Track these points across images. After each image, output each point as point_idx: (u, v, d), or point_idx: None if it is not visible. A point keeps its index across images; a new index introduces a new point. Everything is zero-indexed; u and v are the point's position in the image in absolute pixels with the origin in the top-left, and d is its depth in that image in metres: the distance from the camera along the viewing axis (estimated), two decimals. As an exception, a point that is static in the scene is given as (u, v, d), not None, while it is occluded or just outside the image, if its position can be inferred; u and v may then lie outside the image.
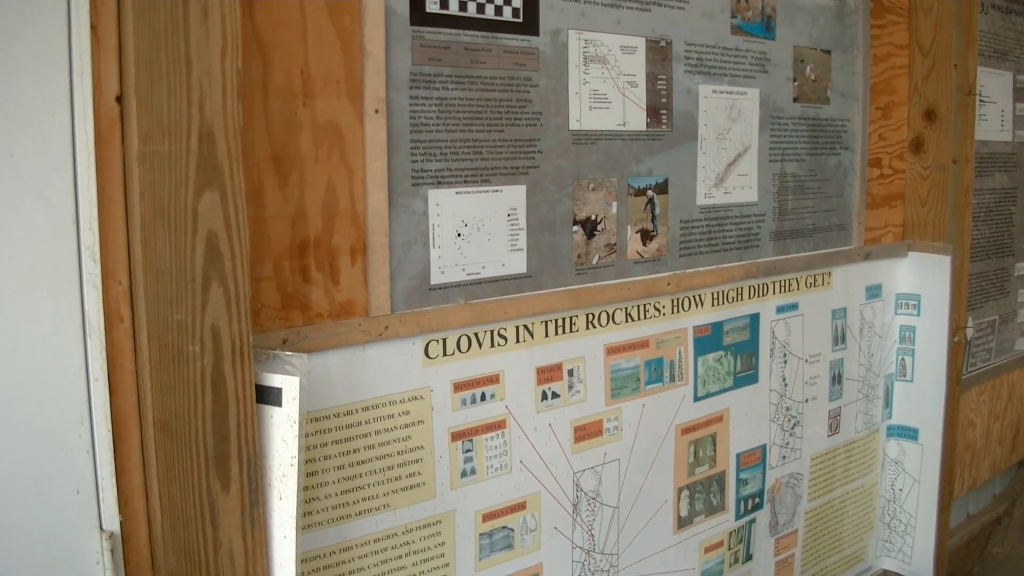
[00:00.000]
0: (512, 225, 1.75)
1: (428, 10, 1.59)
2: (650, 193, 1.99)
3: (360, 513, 1.58)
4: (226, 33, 1.25)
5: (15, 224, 1.16)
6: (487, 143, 1.70)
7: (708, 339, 2.17)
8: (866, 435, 2.71)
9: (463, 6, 1.64)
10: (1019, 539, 3.38)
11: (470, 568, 1.76)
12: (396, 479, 1.62)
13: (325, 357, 1.50)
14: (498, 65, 1.70)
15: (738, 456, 2.30)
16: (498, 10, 1.69)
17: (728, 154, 2.16)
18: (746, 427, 2.31)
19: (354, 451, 1.56)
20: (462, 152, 1.66)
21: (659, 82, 1.98)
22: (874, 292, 2.65)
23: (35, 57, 1.16)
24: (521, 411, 1.80)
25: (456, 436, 1.71)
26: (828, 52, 2.41)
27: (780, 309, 2.35)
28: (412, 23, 1.58)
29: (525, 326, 1.79)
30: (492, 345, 1.74)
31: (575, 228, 1.86)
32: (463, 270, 1.69)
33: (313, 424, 1.49)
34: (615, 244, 1.93)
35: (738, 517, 2.33)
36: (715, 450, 2.23)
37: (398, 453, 1.62)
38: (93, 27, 1.19)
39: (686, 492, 2.18)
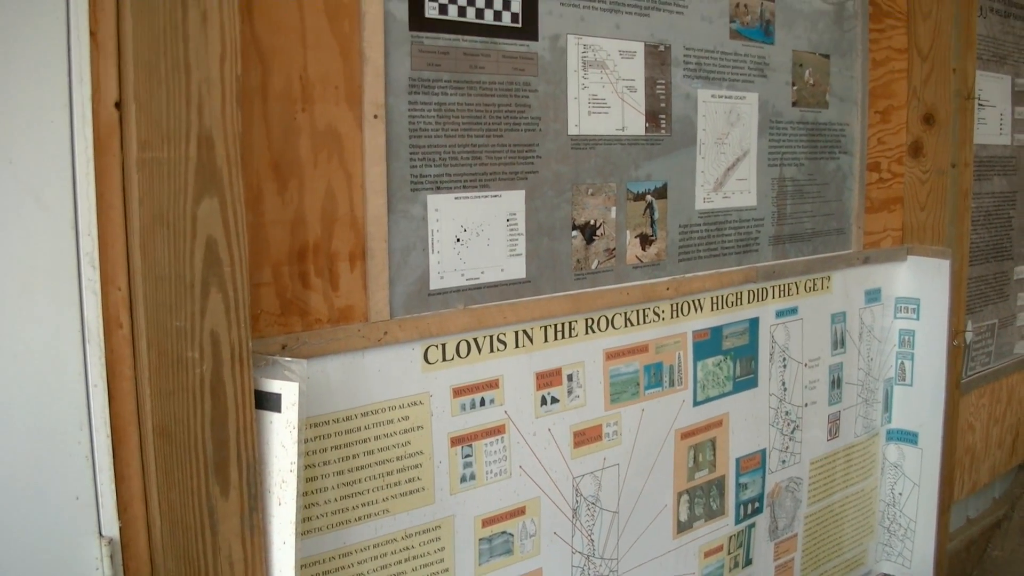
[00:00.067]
0: (511, 230, 1.75)
1: (427, 15, 1.59)
2: (649, 198, 1.99)
3: (359, 518, 1.58)
4: (225, 39, 1.25)
5: (14, 230, 1.16)
6: (486, 148, 1.70)
7: (707, 343, 2.17)
8: (866, 439, 2.71)
9: (462, 11, 1.64)
10: (1019, 543, 3.38)
11: (470, 573, 1.76)
12: (395, 484, 1.62)
13: (324, 363, 1.50)
14: (497, 70, 1.70)
15: (738, 460, 2.30)
16: (497, 15, 1.69)
17: (727, 159, 2.16)
18: (746, 431, 2.31)
19: (353, 456, 1.56)
20: (461, 157, 1.66)
21: (658, 87, 1.98)
22: (873, 296, 2.65)
23: (34, 62, 1.16)
24: (520, 416, 1.80)
25: (455, 441, 1.70)
26: (827, 56, 2.41)
27: (779, 313, 2.35)
28: (411, 28, 1.58)
29: (524, 331, 1.79)
30: (491, 350, 1.74)
31: (574, 233, 1.86)
32: (462, 275, 1.69)
33: (312, 430, 1.49)
34: (614, 249, 1.93)
35: (738, 521, 2.33)
36: (715, 455, 2.23)
37: (397, 458, 1.62)
38: (92, 33, 1.19)
39: (686, 497, 2.17)
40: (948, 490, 2.80)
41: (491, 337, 1.74)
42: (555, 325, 1.84)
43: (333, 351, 1.51)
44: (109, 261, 1.22)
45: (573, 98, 1.83)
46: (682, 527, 2.18)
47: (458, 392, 1.70)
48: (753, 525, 2.38)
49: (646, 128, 1.97)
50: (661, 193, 2.02)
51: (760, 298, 2.29)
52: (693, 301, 2.12)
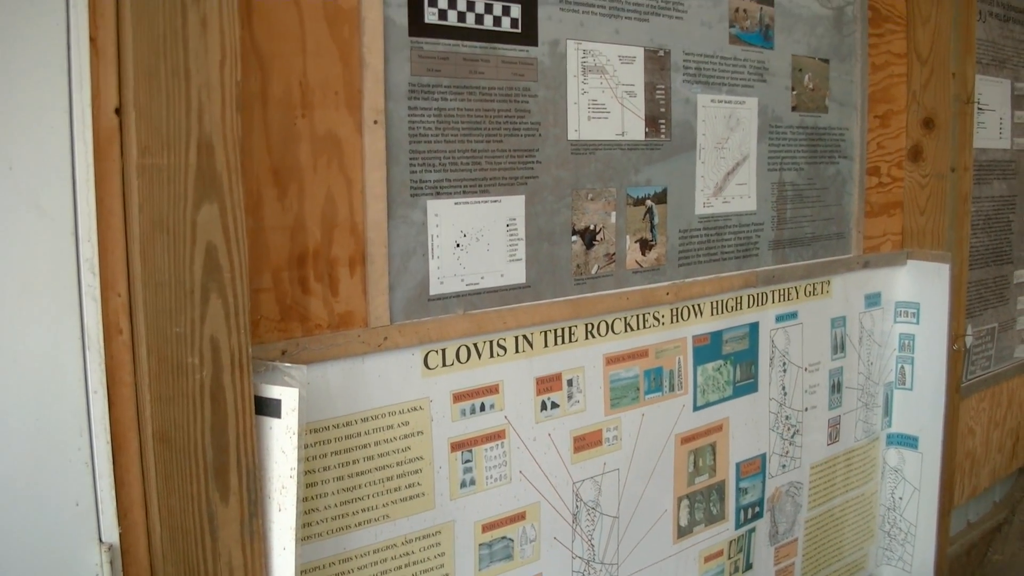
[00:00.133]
0: (511, 235, 1.75)
1: (427, 21, 1.60)
2: (649, 203, 1.99)
3: (359, 524, 1.58)
4: (225, 44, 1.25)
5: (14, 236, 1.16)
6: (486, 153, 1.70)
7: (707, 348, 2.17)
8: (866, 443, 2.71)
9: (462, 17, 1.64)
10: (1019, 547, 3.38)
11: (470, 579, 1.76)
12: (395, 490, 1.62)
13: (324, 368, 1.50)
14: (497, 75, 1.70)
15: (738, 465, 2.30)
16: (496, 20, 1.69)
17: (727, 163, 2.16)
18: (746, 436, 2.30)
19: (353, 462, 1.56)
20: (461, 162, 1.66)
21: (658, 92, 1.99)
22: (873, 300, 2.65)
23: (34, 68, 1.17)
24: (520, 421, 1.80)
25: (455, 446, 1.70)
26: (826, 61, 2.41)
27: (779, 318, 2.35)
28: (411, 34, 1.58)
29: (524, 336, 1.79)
30: (491, 355, 1.74)
31: (574, 238, 1.86)
32: (462, 280, 1.69)
33: (312, 435, 1.49)
34: (614, 254, 1.93)
35: (738, 526, 2.33)
36: (715, 459, 2.23)
37: (397, 464, 1.62)
38: (92, 39, 1.19)
39: (686, 501, 2.17)
40: (948, 494, 2.80)
41: (491, 342, 1.74)
42: (555, 330, 1.84)
43: (333, 356, 1.51)
44: (109, 267, 1.22)
45: (573, 103, 1.83)
46: (682, 532, 2.18)
47: (458, 397, 1.70)
48: (753, 530, 2.38)
49: (646, 133, 1.97)
50: (661, 198, 2.02)
51: (760, 303, 2.29)
52: (693, 306, 2.12)
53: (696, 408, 2.16)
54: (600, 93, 1.87)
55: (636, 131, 1.95)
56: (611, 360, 1.95)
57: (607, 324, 1.94)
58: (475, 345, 1.71)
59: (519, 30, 1.73)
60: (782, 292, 2.35)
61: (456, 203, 1.67)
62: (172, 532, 1.26)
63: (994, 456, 3.18)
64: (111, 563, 1.24)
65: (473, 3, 1.65)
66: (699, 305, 2.13)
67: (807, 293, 2.43)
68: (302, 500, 1.42)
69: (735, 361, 2.25)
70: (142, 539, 1.27)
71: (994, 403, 3.14)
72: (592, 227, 1.89)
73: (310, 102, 1.46)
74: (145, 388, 1.22)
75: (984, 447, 3.10)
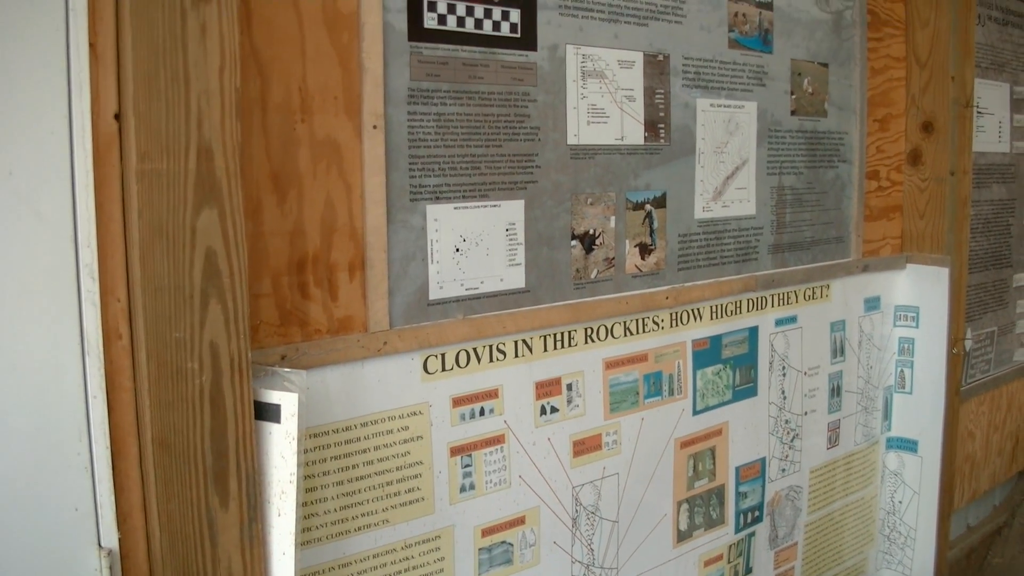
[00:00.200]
0: (510, 240, 1.75)
1: (426, 26, 1.60)
2: (648, 207, 1.99)
3: (359, 529, 1.58)
4: (224, 50, 1.25)
5: (13, 241, 1.16)
6: (485, 158, 1.70)
7: (707, 352, 2.17)
8: (865, 447, 2.71)
9: (461, 22, 1.64)
10: (1019, 550, 3.38)
11: (469, 583, 1.76)
12: (395, 495, 1.62)
13: (324, 373, 1.50)
14: (496, 80, 1.70)
15: (737, 469, 2.30)
16: (496, 25, 1.69)
17: (726, 168, 2.17)
18: (745, 440, 2.30)
19: (353, 467, 1.56)
20: (460, 167, 1.66)
21: (657, 96, 1.99)
22: (872, 304, 2.65)
23: (34, 74, 1.17)
24: (520, 426, 1.80)
25: (455, 451, 1.70)
26: (825, 65, 2.41)
27: (779, 322, 2.35)
28: (410, 39, 1.58)
29: (524, 341, 1.79)
30: (491, 360, 1.74)
31: (573, 243, 1.86)
32: (461, 285, 1.69)
33: (312, 440, 1.49)
34: (613, 258, 1.94)
35: (738, 530, 2.33)
36: (714, 463, 2.23)
37: (397, 468, 1.62)
38: (92, 45, 1.19)
39: (685, 506, 2.17)
40: (948, 498, 2.79)
41: (490, 347, 1.74)
42: (554, 334, 1.84)
43: (332, 361, 1.51)
44: (108, 272, 1.22)
45: (572, 108, 1.83)
46: (682, 536, 2.18)
47: (457, 402, 1.70)
48: (753, 534, 2.38)
49: (645, 137, 1.97)
50: (660, 202, 2.02)
51: (759, 307, 2.29)
52: (692, 310, 2.12)
53: (696, 412, 2.16)
54: (599, 98, 1.88)
55: (635, 136, 1.95)
56: (611, 364, 1.96)
57: (607, 328, 1.94)
58: (475, 350, 1.71)
59: (518, 35, 1.73)
60: (781, 296, 2.35)
61: (456, 208, 1.67)
62: (172, 537, 1.26)
63: (994, 459, 3.18)
64: (110, 568, 1.24)
65: (472, 8, 1.65)
66: (698, 309, 2.14)
67: (806, 297, 2.43)
68: (302, 505, 1.42)
69: (735, 365, 2.25)
70: (141, 544, 1.27)
71: (994, 407, 3.14)
72: (591, 232, 1.89)
73: (309, 107, 1.47)
74: (144, 393, 1.22)
75: (984, 450, 3.10)
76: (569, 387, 1.88)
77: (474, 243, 1.70)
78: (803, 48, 2.34)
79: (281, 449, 1.34)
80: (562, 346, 1.86)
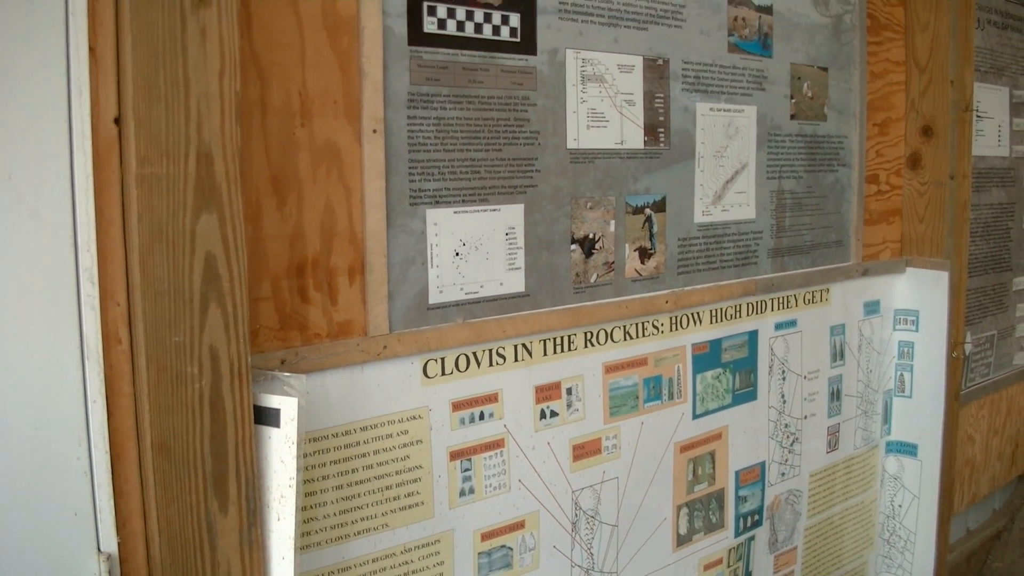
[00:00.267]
0: (510, 244, 1.75)
1: (426, 30, 1.60)
2: (648, 211, 1.99)
3: (358, 533, 1.58)
4: (224, 54, 1.25)
5: (13, 245, 1.16)
6: (485, 162, 1.70)
7: (706, 356, 2.17)
8: (865, 451, 2.71)
9: (461, 26, 1.64)
10: (1019, 554, 3.37)
11: (469, 588, 1.76)
12: (395, 499, 1.62)
13: (323, 377, 1.50)
14: (496, 84, 1.70)
15: (737, 473, 2.30)
16: (495, 30, 1.69)
17: (726, 172, 2.17)
18: (745, 444, 2.30)
19: (352, 471, 1.56)
20: (460, 171, 1.66)
21: (656, 100, 1.99)
22: (872, 308, 2.65)
23: (33, 78, 1.17)
24: (520, 430, 1.80)
25: (455, 455, 1.70)
26: (825, 69, 2.41)
27: (778, 326, 2.35)
28: (410, 43, 1.58)
29: (523, 345, 1.79)
30: (490, 364, 1.74)
31: (573, 247, 1.86)
32: (461, 289, 1.69)
33: (311, 444, 1.49)
34: (613, 262, 1.94)
35: (737, 534, 2.33)
36: (714, 467, 2.23)
37: (396, 473, 1.62)
38: (91, 48, 1.19)
39: (685, 510, 2.17)
40: (948, 502, 2.79)
41: (490, 351, 1.74)
42: (554, 339, 1.84)
43: (332, 366, 1.51)
44: (108, 276, 1.22)
45: (572, 112, 1.83)
46: (681, 540, 2.17)
47: (457, 406, 1.70)
48: (753, 538, 2.38)
49: (645, 142, 1.97)
50: (660, 206, 2.02)
51: (759, 311, 2.29)
52: (692, 314, 2.12)
53: (695, 416, 2.16)
54: (599, 102, 1.88)
55: (635, 140, 1.95)
56: (610, 368, 1.95)
57: (606, 332, 1.94)
58: (474, 354, 1.71)
59: (518, 39, 1.73)
60: (781, 300, 2.35)
61: (455, 212, 1.67)
62: (171, 541, 1.26)
63: (993, 463, 3.18)
64: (109, 572, 1.24)
65: (472, 12, 1.65)
66: (698, 313, 2.13)
67: (806, 301, 2.43)
68: (301, 509, 1.42)
69: (734, 369, 2.25)
70: (141, 548, 1.27)
71: (993, 410, 3.14)
72: (591, 236, 1.89)
73: (309, 111, 1.47)
74: (144, 397, 1.22)
75: (983, 454, 3.10)
76: (569, 391, 1.88)
77: (474, 247, 1.70)
78: (803, 52, 2.34)
79: (280, 453, 1.34)
80: (562, 350, 1.86)
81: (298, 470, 1.34)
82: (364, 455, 1.57)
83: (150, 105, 1.19)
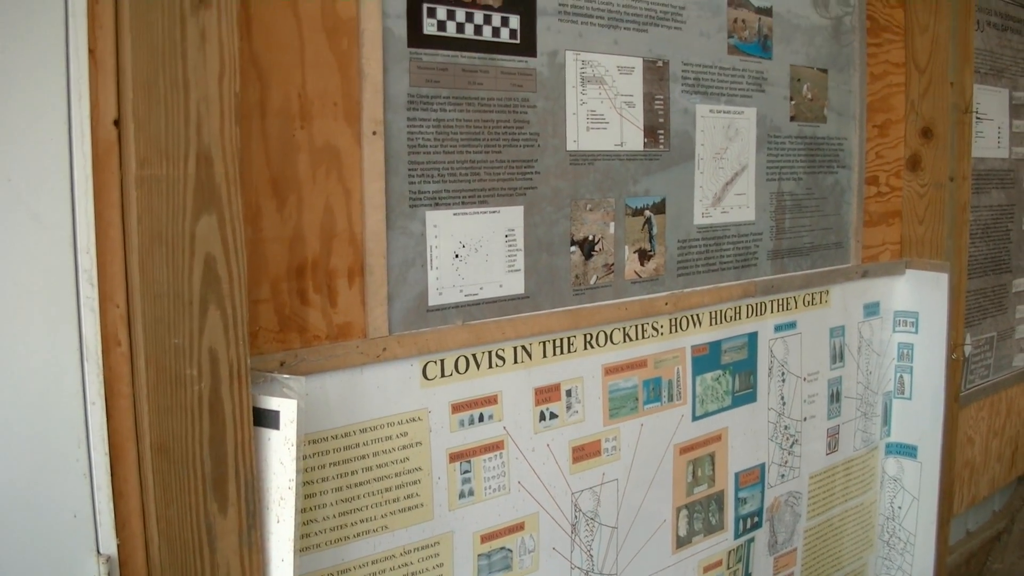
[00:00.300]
0: (510, 246, 1.75)
1: (425, 32, 1.60)
2: (648, 213, 1.99)
3: (358, 535, 1.58)
4: (224, 56, 1.25)
5: (12, 247, 1.16)
6: (485, 164, 1.70)
7: (706, 358, 2.17)
8: (865, 453, 2.71)
9: (460, 28, 1.64)
10: (1019, 556, 3.37)
11: (468, 589, 1.76)
12: (394, 501, 1.62)
13: (323, 379, 1.50)
14: (495, 86, 1.70)
15: (737, 475, 2.30)
16: (495, 31, 1.69)
17: (725, 173, 2.17)
18: (745, 446, 2.30)
19: (352, 473, 1.56)
20: (460, 173, 1.66)
21: (656, 102, 1.99)
22: (872, 310, 2.65)
23: (33, 80, 1.17)
24: (519, 432, 1.80)
25: (454, 457, 1.70)
26: (825, 71, 2.41)
27: (778, 328, 2.35)
28: (410, 45, 1.58)
29: (523, 347, 1.79)
30: (490, 366, 1.74)
31: (573, 249, 1.86)
32: (461, 291, 1.69)
33: (311, 446, 1.49)
34: (613, 264, 1.94)
35: (737, 536, 2.33)
36: (714, 469, 2.23)
37: (396, 475, 1.62)
38: (91, 50, 1.19)
39: (685, 511, 2.17)
40: (947, 503, 2.79)
41: (490, 353, 1.74)
42: (554, 341, 1.84)
43: (332, 368, 1.50)
44: (107, 278, 1.22)
45: (572, 114, 1.83)
46: (681, 542, 2.17)
47: (457, 408, 1.70)
48: (752, 540, 2.37)
49: (644, 143, 1.97)
50: (659, 208, 2.02)
51: (759, 312, 2.29)
52: (692, 316, 2.12)
53: (695, 418, 2.16)
54: (599, 103, 1.88)
55: (635, 141, 1.95)
56: (610, 370, 1.95)
57: (606, 334, 1.94)
58: (474, 356, 1.71)
59: (518, 41, 1.73)
60: (781, 302, 2.35)
61: (455, 214, 1.67)
62: (170, 543, 1.26)
63: (993, 465, 3.18)
64: (109, 574, 1.24)
65: (472, 14, 1.66)
66: (698, 315, 2.13)
67: (806, 303, 2.43)
68: (300, 511, 1.42)
69: (734, 371, 2.25)
70: (140, 550, 1.27)
71: (993, 412, 3.14)
72: (591, 237, 1.89)
73: (309, 113, 1.47)
74: (143, 399, 1.22)
75: (983, 456, 3.10)
76: (568, 393, 1.88)
77: (473, 249, 1.70)
78: (802, 54, 2.34)
79: (280, 455, 1.34)
80: (561, 352, 1.86)
81: (297, 472, 1.34)
82: (363, 457, 1.57)
83: (150, 107, 1.19)
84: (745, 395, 2.29)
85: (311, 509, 1.50)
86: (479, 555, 1.76)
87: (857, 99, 2.53)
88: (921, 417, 2.72)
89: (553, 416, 1.85)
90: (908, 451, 2.75)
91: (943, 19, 2.64)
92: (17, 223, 1.16)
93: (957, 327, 2.72)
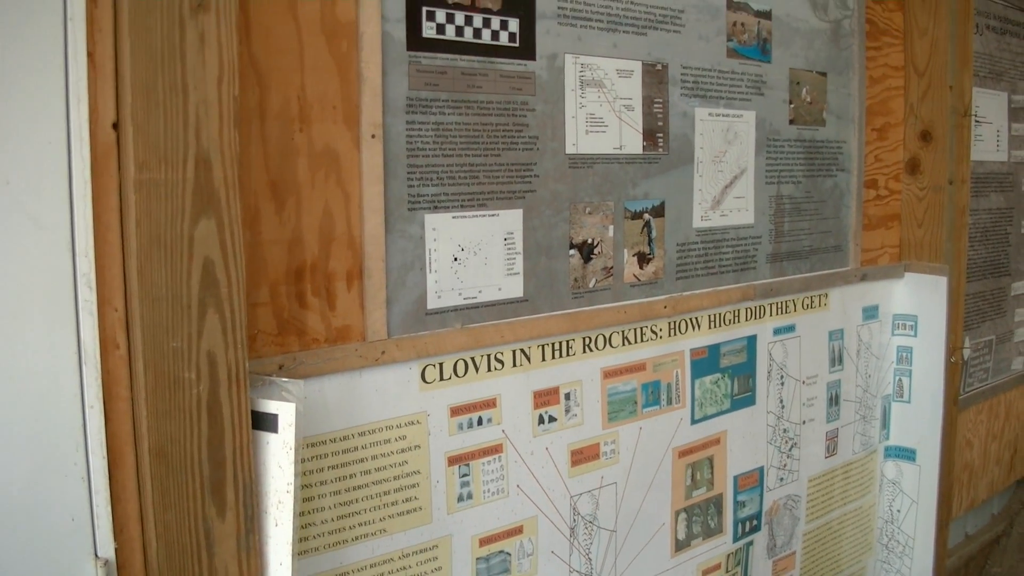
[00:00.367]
0: (509, 249, 1.75)
1: (425, 35, 1.60)
2: (647, 216, 1.99)
3: (356, 538, 1.58)
4: (223, 60, 1.25)
5: (11, 250, 1.16)
6: (484, 167, 1.70)
7: (705, 362, 2.16)
8: (864, 456, 2.71)
9: (459, 31, 1.64)
10: (1017, 559, 3.37)
11: (467, 593, 1.76)
12: (392, 504, 1.62)
13: (321, 382, 1.50)
14: (495, 90, 1.70)
15: (735, 478, 2.29)
16: (494, 35, 1.69)
17: (724, 177, 2.17)
18: (743, 449, 2.30)
19: (350, 476, 1.56)
20: (459, 177, 1.66)
21: (655, 105, 1.99)
22: (871, 313, 2.65)
23: (32, 83, 1.16)
24: (518, 435, 1.79)
25: (453, 460, 1.70)
26: (824, 74, 2.41)
27: (777, 331, 2.35)
28: (409, 48, 1.58)
29: (522, 350, 1.79)
30: (489, 369, 1.74)
31: (572, 252, 1.86)
32: (460, 294, 1.69)
33: (309, 449, 1.49)
34: (612, 267, 1.93)
35: (736, 539, 2.32)
36: (712, 473, 2.23)
37: (395, 478, 1.62)
38: (90, 54, 1.19)
39: (684, 515, 2.17)
40: (946, 507, 2.79)
41: (488, 356, 1.74)
42: (553, 344, 1.84)
43: (330, 371, 1.50)
44: (106, 282, 1.22)
45: (571, 117, 1.83)
46: (680, 545, 2.17)
47: (455, 411, 1.70)
48: (751, 543, 2.37)
49: (643, 147, 1.97)
50: (659, 211, 2.02)
51: (758, 316, 2.29)
52: (691, 319, 2.12)
53: (694, 421, 2.16)
54: (598, 107, 1.88)
55: (634, 145, 1.95)
56: (609, 374, 1.95)
57: (605, 338, 1.94)
58: (472, 359, 1.71)
59: (517, 44, 1.73)
60: (780, 305, 2.35)
61: (454, 217, 1.67)
62: (168, 547, 1.26)
63: (992, 468, 3.18)
64: (107, 578, 1.24)
65: (471, 17, 1.66)
66: (697, 318, 2.13)
67: (805, 306, 2.43)
68: (299, 515, 1.42)
69: (733, 374, 2.24)
70: (138, 554, 1.27)
71: (992, 415, 3.14)
72: (590, 241, 1.89)
73: (308, 117, 1.46)
74: (142, 403, 1.22)
75: (982, 459, 3.10)
76: (567, 396, 1.88)
77: (472, 252, 1.70)
78: (802, 57, 2.34)
79: (278, 459, 1.34)
80: (560, 355, 1.86)
81: (296, 475, 1.34)
82: (362, 460, 1.57)
83: (148, 110, 1.19)
84: (744, 398, 2.29)
85: (309, 512, 1.50)
86: (477, 559, 1.76)
87: (856, 102, 2.53)
88: (920, 420, 2.71)
89: (552, 419, 1.85)
90: (907, 454, 2.75)
91: (942, 22, 2.64)
92: (16, 226, 1.16)
93: (956, 330, 2.72)
